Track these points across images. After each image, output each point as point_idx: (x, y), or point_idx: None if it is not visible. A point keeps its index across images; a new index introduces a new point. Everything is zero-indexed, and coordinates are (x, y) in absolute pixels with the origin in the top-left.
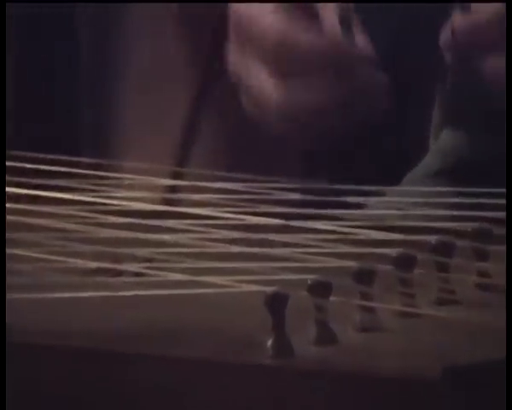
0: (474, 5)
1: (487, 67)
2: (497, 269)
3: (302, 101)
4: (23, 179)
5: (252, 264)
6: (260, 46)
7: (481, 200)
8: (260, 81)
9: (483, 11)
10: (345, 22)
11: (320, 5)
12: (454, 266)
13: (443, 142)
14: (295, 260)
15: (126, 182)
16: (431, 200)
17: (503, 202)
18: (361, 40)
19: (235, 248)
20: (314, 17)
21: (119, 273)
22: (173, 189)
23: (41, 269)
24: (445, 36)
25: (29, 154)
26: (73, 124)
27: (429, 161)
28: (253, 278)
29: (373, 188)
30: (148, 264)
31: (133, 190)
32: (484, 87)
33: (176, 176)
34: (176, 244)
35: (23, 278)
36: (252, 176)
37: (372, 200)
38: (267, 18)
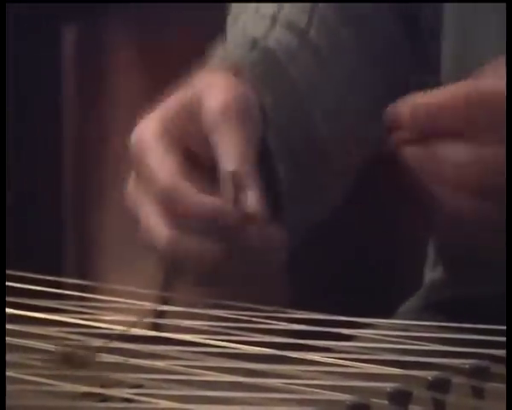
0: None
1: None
2: (495, 408)
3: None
4: (11, 299)
5: (243, 394)
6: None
7: (479, 336)
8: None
9: (441, 94)
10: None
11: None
12: (450, 404)
13: (438, 276)
14: (288, 392)
15: (113, 305)
16: (427, 334)
17: (502, 339)
18: (252, 200)
19: (227, 378)
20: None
21: (108, 398)
22: (161, 314)
23: (29, 392)
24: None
25: (16, 273)
26: (59, 243)
27: (424, 294)
28: (245, 409)
29: (367, 320)
30: (137, 390)
31: (121, 314)
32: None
33: (164, 301)
34: (166, 371)
35: (11, 401)
36: (242, 304)
37: (367, 332)
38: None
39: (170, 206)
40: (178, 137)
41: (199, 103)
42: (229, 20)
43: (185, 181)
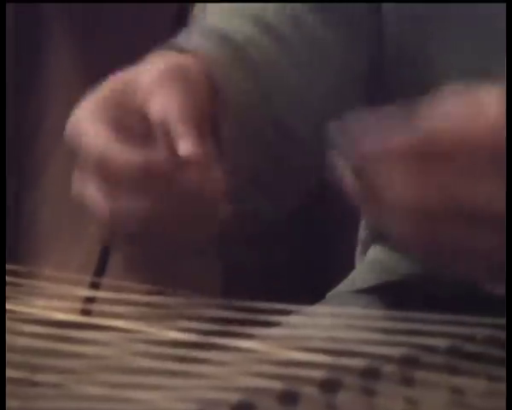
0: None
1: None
2: (425, 397)
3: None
4: None
5: (172, 380)
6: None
7: (409, 324)
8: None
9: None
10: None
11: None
12: (380, 392)
13: (370, 259)
14: (216, 378)
15: (44, 290)
16: (357, 322)
17: (432, 328)
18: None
19: (156, 364)
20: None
21: (36, 384)
22: (91, 299)
23: None
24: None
25: None
26: None
27: (355, 278)
28: (174, 395)
29: (296, 307)
30: (67, 376)
31: (51, 299)
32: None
33: (93, 286)
34: (96, 356)
35: None
36: (172, 290)
37: (296, 319)
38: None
39: (104, 172)
40: (113, 114)
41: (135, 79)
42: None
43: (116, 145)
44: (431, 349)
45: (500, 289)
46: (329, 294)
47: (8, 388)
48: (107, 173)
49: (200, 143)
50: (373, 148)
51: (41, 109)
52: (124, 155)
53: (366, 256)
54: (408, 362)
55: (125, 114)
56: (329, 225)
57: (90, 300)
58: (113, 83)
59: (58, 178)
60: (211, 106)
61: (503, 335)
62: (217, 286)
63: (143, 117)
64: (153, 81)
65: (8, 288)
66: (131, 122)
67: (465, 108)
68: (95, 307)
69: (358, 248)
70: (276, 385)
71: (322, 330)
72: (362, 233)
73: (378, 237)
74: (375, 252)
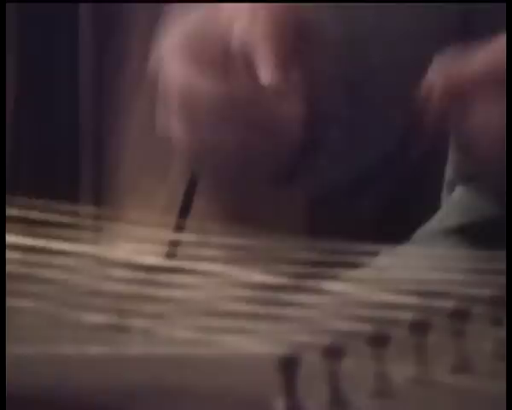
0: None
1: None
2: None
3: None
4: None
5: (262, 324)
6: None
7: (498, 264)
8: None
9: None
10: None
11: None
12: (470, 334)
13: (456, 199)
14: (307, 322)
15: (128, 234)
16: (445, 263)
17: None
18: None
19: (246, 307)
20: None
21: (127, 329)
22: (176, 242)
23: (45, 322)
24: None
25: (27, 201)
26: (73, 170)
27: (442, 218)
28: (264, 339)
29: (384, 248)
30: (156, 320)
31: (135, 243)
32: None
33: (178, 229)
34: (185, 301)
35: (25, 332)
36: (256, 231)
37: (384, 260)
38: (173, 68)
39: (187, 105)
40: (195, 46)
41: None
42: None
43: (198, 78)
44: None
45: None
46: (416, 234)
47: (96, 334)
48: (189, 106)
49: (280, 72)
50: (459, 73)
51: (121, 51)
52: (206, 86)
53: (451, 197)
54: (497, 303)
55: (207, 44)
56: (415, 166)
57: (174, 243)
58: (195, 15)
59: (141, 121)
60: (300, 39)
61: None
62: (302, 225)
63: (226, 46)
64: (236, 9)
65: (91, 232)
66: (214, 52)
67: None
68: (180, 250)
69: (444, 190)
70: (366, 327)
71: (410, 271)
72: (448, 174)
73: (463, 176)
74: (460, 193)
